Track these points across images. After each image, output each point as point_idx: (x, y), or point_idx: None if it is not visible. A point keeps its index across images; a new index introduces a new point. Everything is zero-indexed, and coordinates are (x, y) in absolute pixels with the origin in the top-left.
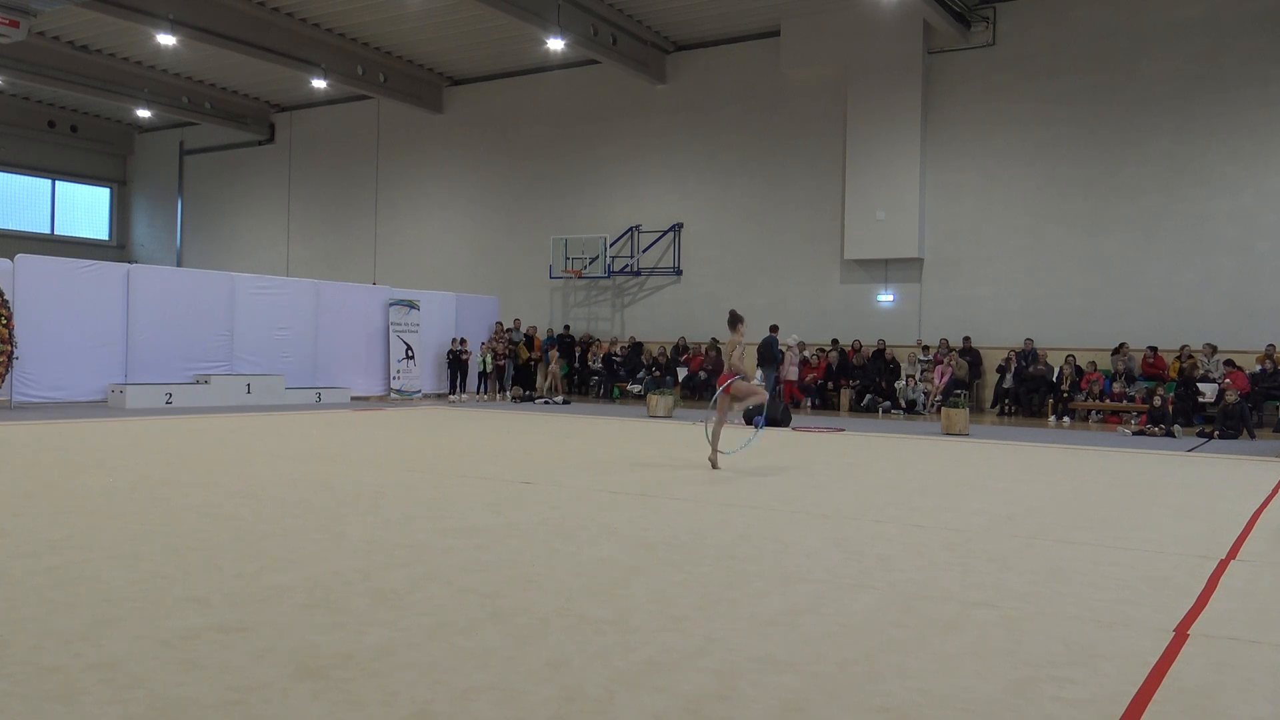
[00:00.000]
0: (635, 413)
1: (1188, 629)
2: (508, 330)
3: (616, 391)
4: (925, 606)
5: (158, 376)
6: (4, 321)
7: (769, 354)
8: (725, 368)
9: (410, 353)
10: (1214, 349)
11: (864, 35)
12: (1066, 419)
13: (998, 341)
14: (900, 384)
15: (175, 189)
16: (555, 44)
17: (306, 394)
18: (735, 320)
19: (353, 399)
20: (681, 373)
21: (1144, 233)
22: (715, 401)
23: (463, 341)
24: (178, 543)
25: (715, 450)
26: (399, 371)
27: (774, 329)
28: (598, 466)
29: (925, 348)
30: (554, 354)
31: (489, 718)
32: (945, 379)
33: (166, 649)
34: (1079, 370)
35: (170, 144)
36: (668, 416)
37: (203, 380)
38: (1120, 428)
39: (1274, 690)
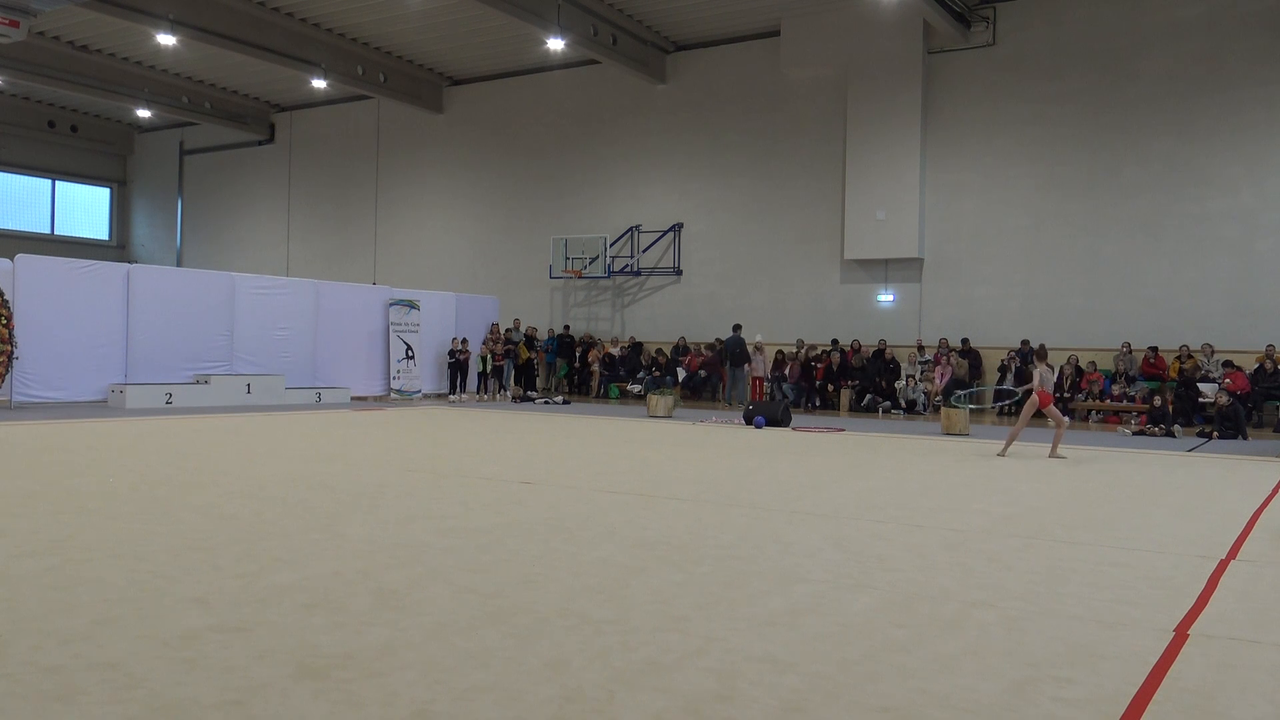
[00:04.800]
0: (635, 413)
1: (1188, 629)
2: (507, 330)
3: (616, 391)
4: (925, 606)
5: (158, 376)
6: (4, 321)
7: (740, 352)
8: (1038, 386)
9: (410, 353)
10: (1213, 349)
11: (864, 35)
12: (1066, 419)
13: (998, 341)
14: (900, 384)
15: (175, 189)
16: (555, 44)
17: (306, 394)
18: (1043, 353)
19: (353, 399)
20: (681, 373)
21: (1144, 233)
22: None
23: (463, 342)
24: (178, 543)
25: (1008, 445)
26: (399, 371)
27: (737, 328)
28: (598, 466)
29: (922, 348)
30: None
31: (489, 718)
32: (946, 379)
33: (166, 649)
34: (1079, 370)
35: (170, 144)
36: (668, 416)
37: (203, 380)
38: (1120, 428)
39: (1274, 690)
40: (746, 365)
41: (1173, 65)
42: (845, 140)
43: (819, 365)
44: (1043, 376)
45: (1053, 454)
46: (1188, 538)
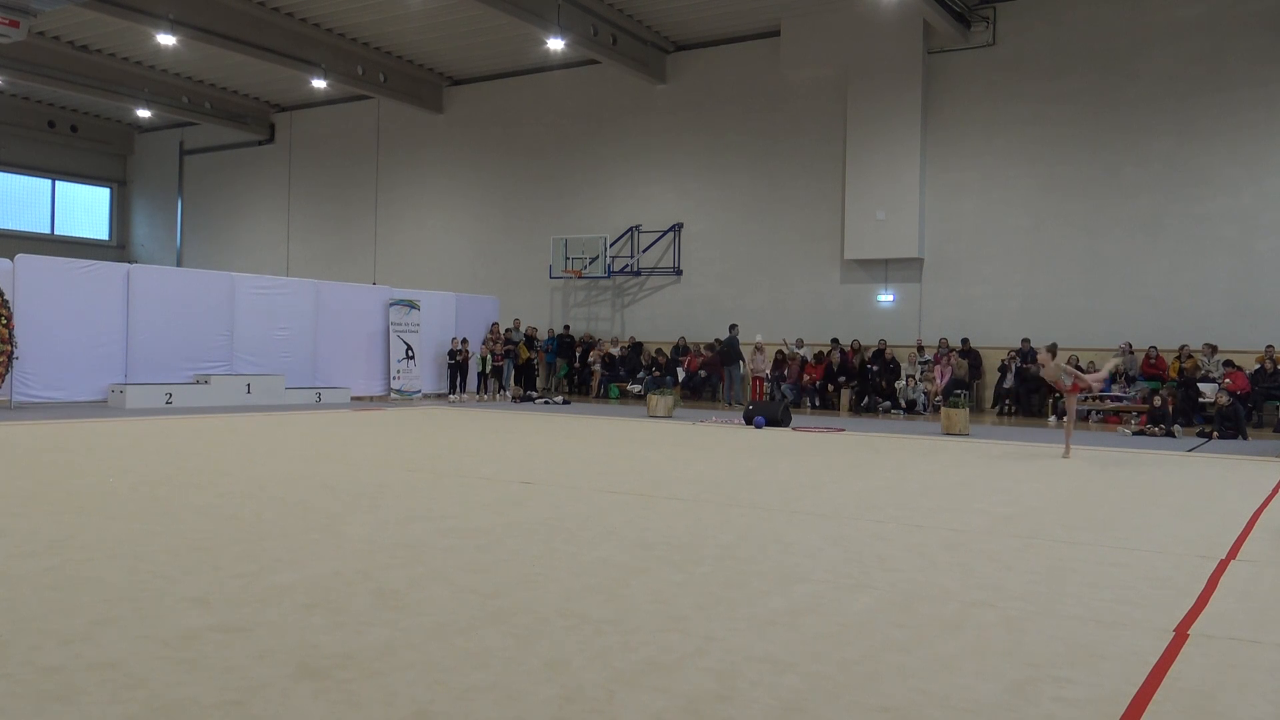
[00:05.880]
0: (635, 413)
1: (1188, 629)
2: (507, 330)
3: (616, 391)
4: (925, 606)
5: (158, 376)
6: (4, 321)
7: (732, 352)
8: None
9: (410, 353)
10: (1214, 349)
11: (864, 35)
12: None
13: (998, 341)
14: (900, 384)
15: (175, 189)
16: (555, 44)
17: (306, 394)
18: (1054, 349)
19: (353, 399)
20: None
21: (1144, 233)
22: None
23: (463, 342)
24: (178, 543)
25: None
26: (399, 371)
27: (734, 328)
28: (598, 466)
29: (922, 348)
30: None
31: (489, 718)
32: (946, 379)
33: (166, 649)
34: (1079, 370)
35: (170, 144)
36: (668, 416)
37: (203, 380)
38: (1120, 428)
39: (1274, 690)
40: (741, 363)
41: (1173, 65)
42: (845, 140)
43: (874, 366)
44: (1051, 372)
45: (1066, 454)
46: (1188, 538)
